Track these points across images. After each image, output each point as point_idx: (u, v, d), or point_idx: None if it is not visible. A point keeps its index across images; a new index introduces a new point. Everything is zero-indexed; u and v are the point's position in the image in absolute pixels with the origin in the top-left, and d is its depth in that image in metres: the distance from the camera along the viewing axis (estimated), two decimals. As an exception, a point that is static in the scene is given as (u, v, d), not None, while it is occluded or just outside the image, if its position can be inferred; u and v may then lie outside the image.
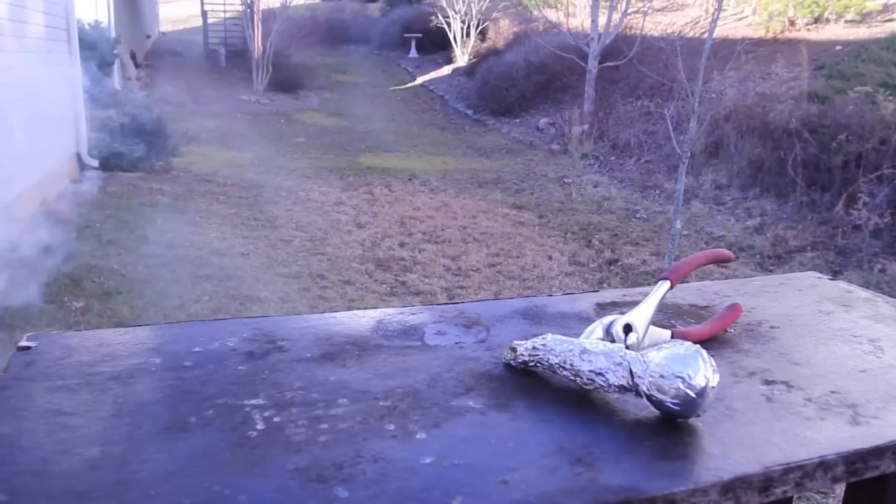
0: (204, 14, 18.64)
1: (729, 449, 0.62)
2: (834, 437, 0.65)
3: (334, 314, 0.85)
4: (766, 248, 7.28)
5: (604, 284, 6.04)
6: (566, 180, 9.98)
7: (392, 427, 0.61)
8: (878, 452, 0.65)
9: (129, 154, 8.12)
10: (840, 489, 0.85)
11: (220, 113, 12.92)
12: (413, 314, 0.86)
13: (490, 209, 8.29)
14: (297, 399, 0.65)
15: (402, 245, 6.76)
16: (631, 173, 10.09)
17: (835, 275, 7.05)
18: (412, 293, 5.69)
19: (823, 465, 0.62)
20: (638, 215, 8.42)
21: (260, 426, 0.61)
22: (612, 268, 6.61)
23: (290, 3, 16.39)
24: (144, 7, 18.44)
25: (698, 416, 0.63)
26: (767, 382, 0.74)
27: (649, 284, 1.00)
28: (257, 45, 15.24)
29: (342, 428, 0.61)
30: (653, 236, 7.59)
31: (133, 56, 14.62)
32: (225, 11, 18.77)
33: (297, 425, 0.61)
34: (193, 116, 12.13)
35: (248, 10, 15.71)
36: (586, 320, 0.87)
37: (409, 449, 0.58)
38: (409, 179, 9.47)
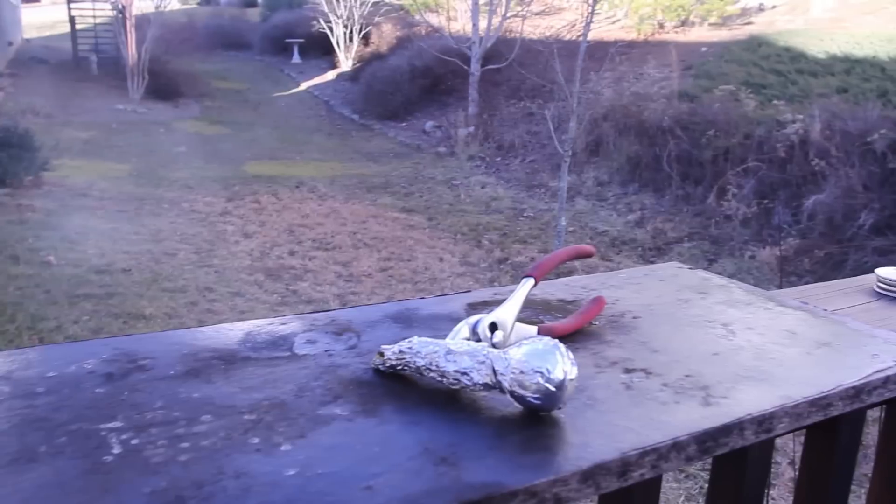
0: (72, 20, 17.71)
1: (589, 438, 0.64)
2: (687, 419, 0.68)
3: (201, 328, 0.83)
4: (647, 240, 7.60)
5: (495, 283, 6.15)
6: (454, 182, 10.09)
7: (256, 441, 0.60)
8: (726, 430, 0.69)
9: (-7, 169, 7.63)
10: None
11: (93, 123, 12.33)
12: (283, 324, 0.85)
13: (380, 214, 8.28)
14: (157, 419, 0.63)
15: (291, 254, 6.66)
16: (517, 173, 10.31)
17: (710, 263, 7.41)
18: (304, 302, 5.62)
19: (677, 446, 0.65)
20: (525, 214, 8.61)
21: (116, 450, 0.58)
22: (502, 266, 6.73)
23: (166, 8, 15.83)
24: (4, 11, 17.37)
25: (559, 408, 0.65)
26: (627, 371, 0.78)
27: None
28: (131, 51, 14.63)
29: (204, 445, 0.59)
30: (540, 234, 7.79)
31: (-6, 65, 13.76)
32: (95, 17, 17.91)
33: (156, 446, 0.59)
34: (65, 127, 11.53)
35: (120, 16, 15.08)
36: (457, 321, 0.88)
37: (273, 462, 0.57)
38: (297, 187, 9.34)
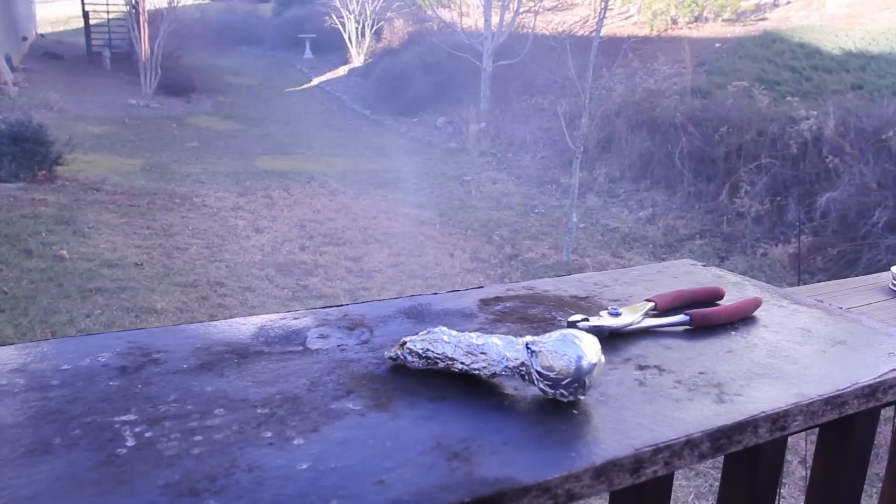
0: (86, 15, 17.80)
1: (602, 434, 0.64)
2: (700, 416, 0.68)
3: (214, 322, 0.83)
4: (658, 237, 7.57)
5: (505, 279, 6.14)
6: (465, 178, 10.08)
7: (269, 434, 0.60)
8: (740, 427, 0.68)
9: (8, 164, 7.67)
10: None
11: (106, 118, 12.39)
12: (295, 319, 0.85)
13: (391, 209, 8.28)
14: (170, 412, 0.63)
15: (302, 248, 6.67)
16: (528, 169, 10.29)
17: (721, 260, 7.36)
18: (315, 297, 5.63)
19: (690, 443, 0.65)
20: (536, 210, 8.60)
21: (130, 443, 0.58)
22: (512, 262, 6.72)
23: (178, 3, 15.88)
24: (18, 6, 17.46)
25: (581, 397, 0.66)
26: (640, 368, 0.77)
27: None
28: (144, 47, 14.69)
29: (217, 439, 0.59)
30: (551, 230, 7.77)
31: (8, 59, 13.83)
32: (108, 12, 17.99)
33: (169, 439, 0.59)
34: (78, 122, 11.59)
35: (133, 11, 15.13)
36: (470, 317, 0.88)
37: (286, 455, 0.57)
38: (308, 182, 9.35)
